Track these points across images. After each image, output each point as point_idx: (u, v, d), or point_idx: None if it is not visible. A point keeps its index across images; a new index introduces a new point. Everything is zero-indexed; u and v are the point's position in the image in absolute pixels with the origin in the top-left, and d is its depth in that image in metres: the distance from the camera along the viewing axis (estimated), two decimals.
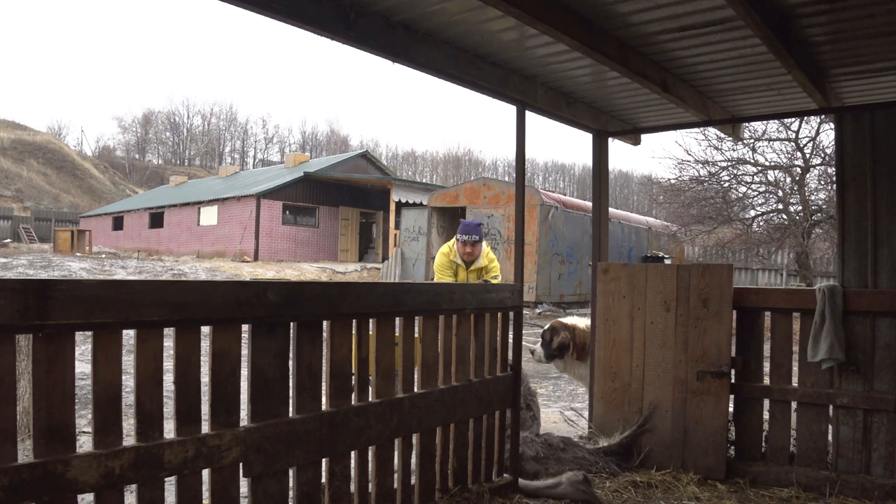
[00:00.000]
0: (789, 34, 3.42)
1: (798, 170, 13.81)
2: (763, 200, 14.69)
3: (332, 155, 52.38)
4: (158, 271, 19.48)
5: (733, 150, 14.19)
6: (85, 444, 2.30)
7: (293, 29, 3.06)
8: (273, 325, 2.57)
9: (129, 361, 2.17)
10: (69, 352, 2.04)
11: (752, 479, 4.05)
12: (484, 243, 5.64)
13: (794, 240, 13.95)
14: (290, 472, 2.64)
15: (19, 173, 48.21)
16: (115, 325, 2.12)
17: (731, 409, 4.25)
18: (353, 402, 2.91)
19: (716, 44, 3.62)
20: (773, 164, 14.04)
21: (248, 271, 21.17)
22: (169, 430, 2.28)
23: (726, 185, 14.60)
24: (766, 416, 4.20)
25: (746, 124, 11.69)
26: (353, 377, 2.95)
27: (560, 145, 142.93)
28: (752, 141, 13.78)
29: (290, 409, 2.65)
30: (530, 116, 4.39)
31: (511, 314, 4.01)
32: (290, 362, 2.65)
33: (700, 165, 14.59)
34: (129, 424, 2.16)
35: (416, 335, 3.36)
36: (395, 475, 3.17)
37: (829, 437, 4.02)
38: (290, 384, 2.65)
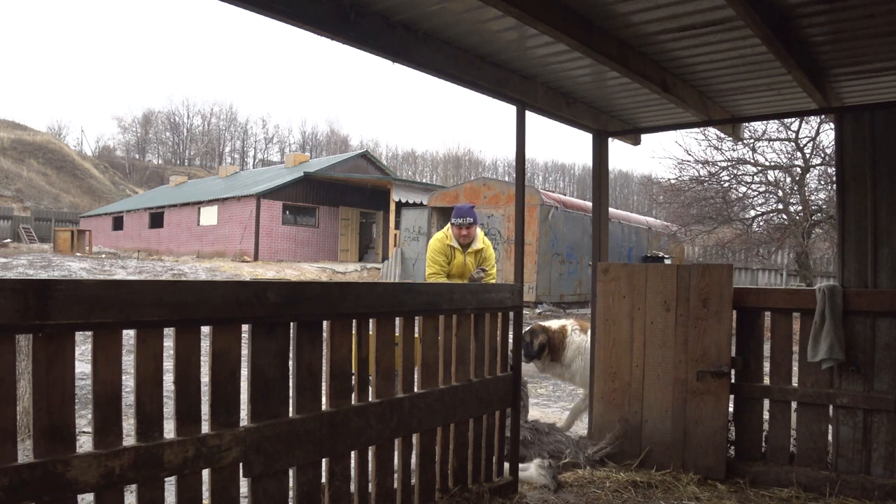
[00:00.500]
0: (789, 34, 3.42)
1: (798, 170, 13.82)
2: (763, 200, 14.70)
3: (332, 155, 52.39)
4: (158, 271, 19.49)
5: (733, 150, 14.20)
6: (85, 444, 2.30)
7: (293, 29, 3.06)
8: (273, 325, 2.57)
9: (129, 361, 2.17)
10: (69, 352, 2.04)
11: (752, 479, 4.06)
12: (478, 227, 5.79)
13: (794, 240, 13.96)
14: (290, 472, 2.64)
15: (19, 173, 48.21)
16: (115, 325, 2.12)
17: (731, 409, 4.25)
18: (353, 402, 2.91)
19: (716, 44, 3.62)
20: (773, 164, 14.04)
21: (248, 271, 21.17)
22: (169, 430, 2.28)
23: (726, 185, 14.61)
24: (766, 416, 4.20)
25: (746, 124, 11.70)
26: (353, 377, 2.95)
27: (560, 145, 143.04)
28: (752, 141, 13.79)
29: (290, 409, 2.65)
30: (530, 116, 4.39)
31: (511, 314, 4.01)
32: (290, 362, 2.65)
33: (700, 165, 14.61)
34: (129, 424, 2.16)
35: (416, 335, 3.36)
36: (395, 475, 3.17)
37: (829, 437, 4.02)
38: (290, 384, 2.65)
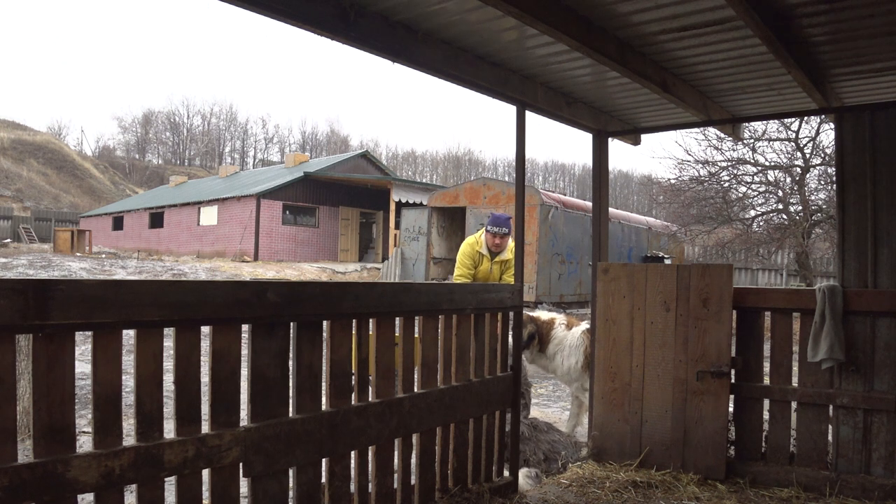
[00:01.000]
0: (789, 34, 3.42)
1: (798, 170, 13.82)
2: (763, 200, 14.71)
3: (332, 155, 52.38)
4: (158, 271, 19.49)
5: (733, 150, 14.20)
6: (85, 444, 2.30)
7: (293, 29, 3.05)
8: (273, 325, 2.57)
9: (129, 361, 2.17)
10: (69, 352, 2.04)
11: (752, 479, 4.05)
12: (510, 238, 5.88)
13: (794, 240, 13.95)
14: (290, 472, 2.64)
15: (19, 173, 48.21)
16: (115, 325, 2.12)
17: (731, 409, 4.25)
18: (353, 403, 2.91)
19: (716, 44, 3.62)
20: (773, 164, 14.04)
21: (248, 271, 21.17)
22: (169, 430, 2.28)
23: (726, 185, 14.61)
24: (766, 416, 4.20)
25: (746, 124, 11.70)
26: (353, 377, 2.95)
27: (560, 145, 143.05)
28: (752, 141, 13.79)
29: (290, 409, 2.65)
30: (530, 116, 4.39)
31: (511, 314, 4.01)
32: (290, 362, 2.65)
33: (700, 165, 14.61)
34: (129, 424, 2.16)
35: (416, 335, 3.36)
36: (395, 475, 3.17)
37: (829, 437, 4.02)
38: (290, 384, 2.65)
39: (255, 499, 2.48)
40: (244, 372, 2.47)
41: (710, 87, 4.45)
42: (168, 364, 2.38)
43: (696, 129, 13.59)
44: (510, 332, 4.06)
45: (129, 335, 2.18)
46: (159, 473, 2.19)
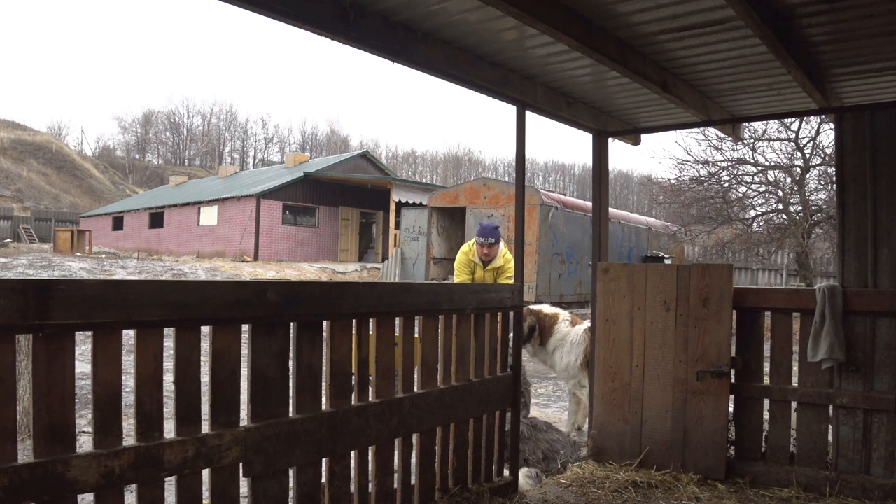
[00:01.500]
0: (789, 34, 3.42)
1: (798, 170, 13.82)
2: (763, 200, 14.71)
3: (332, 155, 52.38)
4: (158, 271, 19.49)
5: (733, 150, 14.20)
6: (85, 444, 2.30)
7: (293, 29, 3.05)
8: (273, 325, 2.57)
9: (129, 361, 2.17)
10: (69, 352, 2.04)
11: (752, 479, 4.05)
12: (502, 244, 6.14)
13: (794, 240, 13.95)
14: (290, 472, 2.64)
15: (19, 173, 48.21)
16: (115, 325, 2.12)
17: (731, 409, 4.25)
18: (353, 402, 2.91)
19: (716, 44, 3.62)
20: (773, 164, 14.04)
21: (248, 271, 21.17)
22: (169, 430, 2.28)
23: (726, 185, 14.61)
24: (766, 416, 4.20)
25: (746, 124, 11.69)
26: (353, 377, 2.95)
27: (560, 145, 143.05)
28: (752, 141, 13.79)
29: (290, 409, 2.65)
30: (530, 116, 4.39)
31: (511, 314, 4.01)
32: (290, 362, 2.65)
33: (700, 165, 14.61)
34: (129, 424, 2.16)
35: (416, 335, 3.36)
36: (395, 475, 3.17)
37: (829, 437, 4.02)
38: (290, 384, 2.65)
39: (255, 499, 2.48)
40: (244, 372, 2.47)
41: (710, 87, 4.45)
42: (168, 364, 2.38)
43: (696, 129, 13.59)
44: (510, 332, 4.06)
45: (129, 335, 2.18)
46: (159, 473, 2.19)
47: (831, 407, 3.99)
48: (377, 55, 3.39)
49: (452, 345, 3.49)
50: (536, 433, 4.71)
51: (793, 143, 13.61)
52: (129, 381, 2.23)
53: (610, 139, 5.19)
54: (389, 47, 3.32)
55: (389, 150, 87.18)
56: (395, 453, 3.16)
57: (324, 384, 2.78)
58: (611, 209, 19.91)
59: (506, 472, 3.89)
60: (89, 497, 2.07)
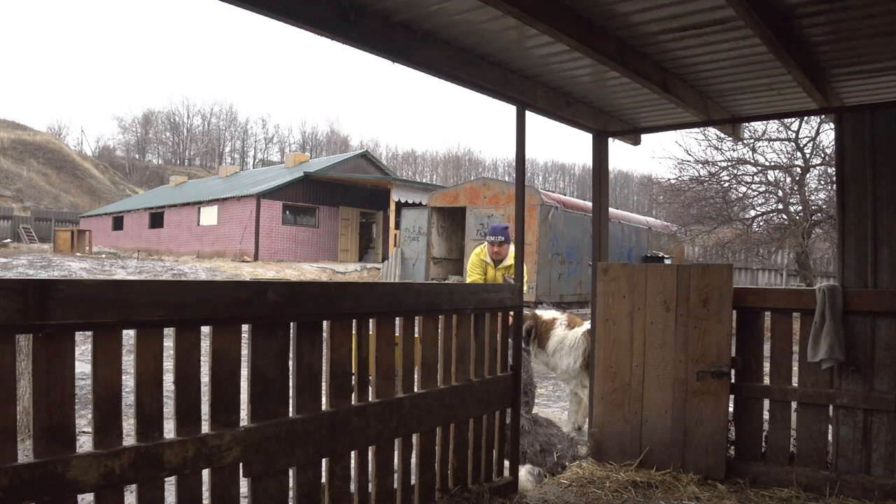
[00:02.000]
0: (789, 34, 3.42)
1: (798, 170, 13.82)
2: (763, 200, 14.71)
3: (332, 155, 52.38)
4: (158, 271, 19.49)
5: (733, 150, 14.20)
6: (85, 444, 2.30)
7: (293, 29, 3.05)
8: (273, 325, 2.57)
9: (129, 361, 2.17)
10: (69, 352, 2.04)
11: (752, 479, 4.05)
12: (511, 245, 6.28)
13: (794, 240, 13.95)
14: (290, 472, 2.64)
15: (19, 173, 48.21)
16: (115, 325, 2.12)
17: (731, 409, 4.25)
18: (353, 402, 2.91)
19: (716, 44, 3.62)
20: (773, 164, 14.04)
21: (248, 271, 21.17)
22: (169, 430, 2.28)
23: (726, 185, 14.61)
24: (766, 416, 4.20)
25: (746, 124, 11.69)
26: (353, 377, 2.95)
27: (560, 145, 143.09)
28: (752, 141, 13.79)
29: (290, 409, 2.65)
30: (530, 116, 4.39)
31: (511, 314, 4.01)
32: (290, 362, 2.65)
33: (700, 165, 14.61)
34: (129, 424, 2.16)
35: (416, 335, 3.36)
36: (395, 475, 3.17)
37: (829, 437, 4.02)
38: (290, 384, 2.65)
39: (255, 499, 2.48)
40: (244, 372, 2.47)
41: (710, 87, 4.45)
42: (168, 364, 2.38)
43: (696, 129, 13.59)
44: (510, 332, 4.06)
45: (129, 335, 2.18)
46: (159, 473, 2.19)
47: (831, 407, 3.99)
48: (377, 55, 3.39)
49: (452, 345, 3.49)
50: (537, 428, 4.82)
51: (793, 143, 13.61)
52: (129, 381, 2.23)
53: (610, 139, 5.19)
54: (389, 47, 3.32)
55: (389, 150, 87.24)
56: (395, 453, 3.16)
57: (324, 384, 2.78)
58: (611, 209, 19.91)
59: (506, 473, 3.89)
60: (89, 497, 2.07)
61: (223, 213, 29.40)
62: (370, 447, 2.98)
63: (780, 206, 14.26)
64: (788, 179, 14.18)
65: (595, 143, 5.17)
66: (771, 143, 13.96)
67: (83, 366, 5.19)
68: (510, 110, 4.24)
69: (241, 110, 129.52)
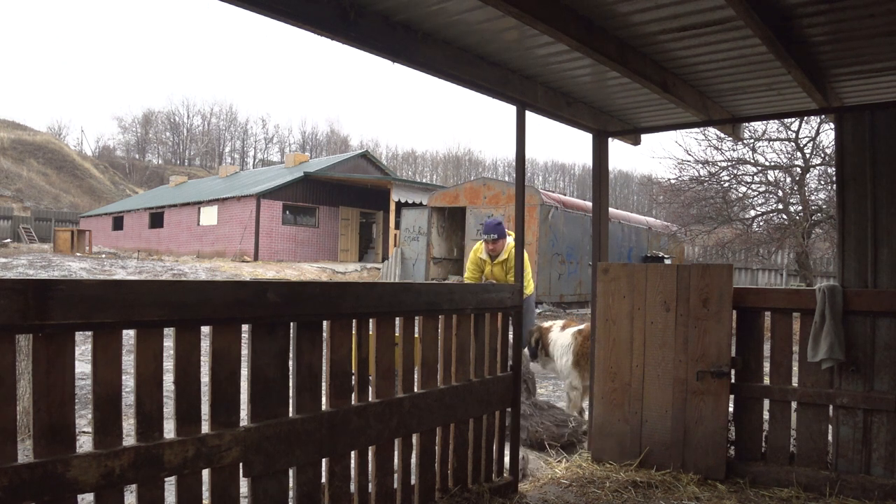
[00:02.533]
0: (789, 34, 3.42)
1: (798, 170, 13.81)
2: (763, 200, 14.69)
3: (332, 155, 52.38)
4: (158, 271, 19.48)
5: (733, 150, 14.19)
6: (85, 444, 2.30)
7: (293, 29, 3.05)
8: (273, 325, 2.57)
9: (129, 361, 2.17)
10: (69, 352, 2.04)
11: (752, 479, 4.05)
12: (510, 238, 6.56)
13: (794, 240, 13.94)
14: (290, 472, 2.64)
15: (19, 173, 48.20)
16: (115, 325, 2.12)
17: (731, 409, 4.25)
18: (353, 402, 2.91)
19: (716, 44, 3.62)
20: (773, 164, 14.03)
21: (248, 271, 21.17)
22: (169, 430, 2.28)
23: (726, 185, 14.60)
24: (766, 416, 4.20)
25: (746, 124, 11.69)
26: (353, 377, 2.95)
27: (560, 145, 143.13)
28: (752, 141, 13.78)
29: (290, 409, 2.65)
30: (530, 116, 4.39)
31: (511, 314, 4.01)
32: (290, 362, 2.65)
33: (700, 165, 14.59)
34: (129, 424, 2.16)
35: (416, 335, 3.36)
36: (395, 475, 3.17)
37: (829, 437, 4.02)
38: (290, 384, 2.65)
39: (255, 499, 2.48)
40: (244, 372, 2.47)
41: (710, 87, 4.45)
42: (168, 364, 2.38)
43: (696, 129, 13.58)
44: (510, 332, 4.06)
45: (129, 335, 2.17)
46: (159, 473, 2.19)
47: (831, 407, 3.99)
48: (377, 55, 3.39)
49: (452, 345, 3.49)
50: (540, 411, 5.00)
51: (793, 143, 13.60)
52: (129, 381, 2.23)
53: (610, 139, 5.19)
54: (389, 47, 3.32)
55: (389, 150, 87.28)
56: (395, 453, 3.16)
57: (324, 384, 2.78)
58: (611, 209, 19.91)
59: (506, 473, 3.89)
60: (89, 497, 2.07)
61: (223, 213, 29.40)
62: (370, 447, 2.98)
63: (780, 206, 14.25)
64: (788, 179, 14.18)
65: (595, 143, 5.17)
66: (771, 143, 13.96)
67: (83, 366, 5.20)
68: (510, 110, 4.24)
69: (241, 110, 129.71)
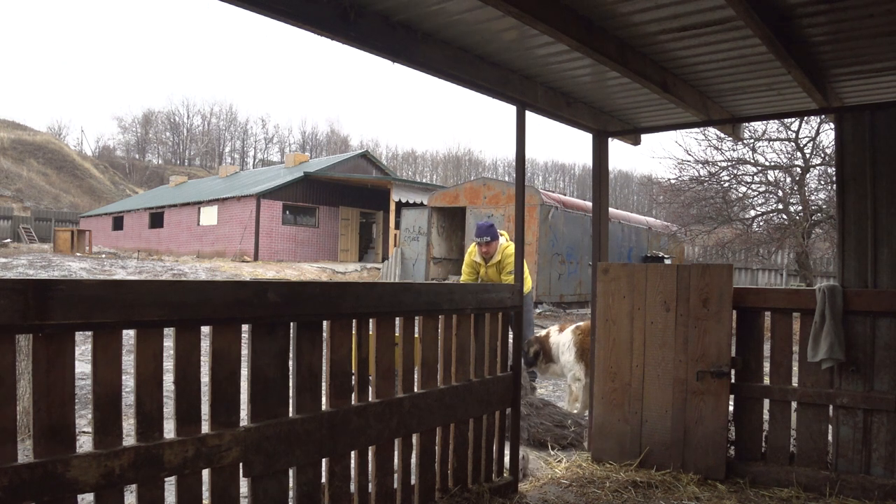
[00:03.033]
0: (789, 34, 3.42)
1: (798, 170, 13.81)
2: (763, 200, 14.70)
3: (332, 155, 52.37)
4: (158, 271, 19.48)
5: (733, 150, 14.19)
6: (85, 444, 2.30)
7: (293, 29, 3.05)
8: (273, 325, 2.57)
9: (129, 361, 2.17)
10: (69, 352, 2.04)
11: (752, 479, 4.05)
12: (503, 238, 6.68)
13: (794, 240, 13.94)
14: (290, 472, 2.64)
15: (19, 173, 48.21)
16: (115, 325, 2.12)
17: (731, 409, 4.25)
18: (353, 402, 2.91)
19: (716, 44, 3.62)
20: (773, 164, 14.03)
21: (248, 271, 21.16)
22: (169, 430, 2.28)
23: (726, 185, 14.60)
24: (766, 416, 4.20)
25: (746, 124, 11.69)
26: (353, 377, 2.95)
27: (560, 145, 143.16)
28: (752, 141, 13.78)
29: (290, 409, 2.65)
30: (530, 116, 4.38)
31: (511, 314, 4.01)
32: (290, 362, 2.65)
33: (700, 165, 14.60)
34: (129, 424, 2.16)
35: (416, 335, 3.36)
36: (395, 475, 3.17)
37: (829, 437, 4.02)
38: (290, 384, 2.65)
39: (255, 499, 2.48)
40: (244, 372, 2.47)
41: (710, 87, 4.45)
42: (168, 364, 2.38)
43: (696, 129, 13.58)
44: (510, 332, 4.06)
45: (129, 335, 2.17)
46: (159, 473, 2.19)
47: (831, 407, 3.99)
48: (377, 55, 3.38)
49: (452, 345, 3.49)
50: (537, 410, 5.08)
51: (793, 143, 13.60)
52: (129, 381, 2.23)
53: (610, 139, 5.19)
54: (389, 47, 3.32)
55: (389, 150, 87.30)
56: (395, 453, 3.16)
57: (324, 384, 2.78)
58: (611, 209, 19.91)
59: (506, 473, 3.89)
60: (89, 497, 2.07)
61: (223, 213, 29.41)
62: (370, 447, 2.98)
63: (780, 206, 14.25)
64: (788, 179, 14.18)
65: (595, 143, 5.17)
66: (771, 143, 13.96)
67: (83, 366, 5.20)
68: (510, 110, 4.24)
69: (241, 110, 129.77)
